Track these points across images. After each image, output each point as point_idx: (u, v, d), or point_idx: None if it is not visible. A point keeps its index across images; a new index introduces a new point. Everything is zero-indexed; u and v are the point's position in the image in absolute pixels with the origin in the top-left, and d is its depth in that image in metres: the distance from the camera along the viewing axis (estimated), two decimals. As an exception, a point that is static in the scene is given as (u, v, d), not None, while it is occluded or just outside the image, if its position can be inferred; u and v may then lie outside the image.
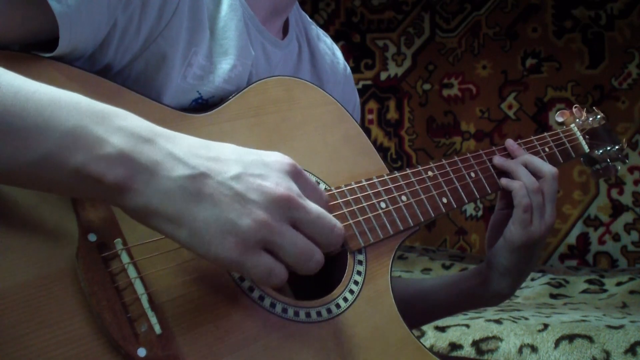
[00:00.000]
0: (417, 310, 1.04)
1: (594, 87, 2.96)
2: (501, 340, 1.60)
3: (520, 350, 1.56)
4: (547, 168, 0.96)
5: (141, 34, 0.72)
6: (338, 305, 0.74)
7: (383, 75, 3.23)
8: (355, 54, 3.24)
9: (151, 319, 0.60)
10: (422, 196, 0.87)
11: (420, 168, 0.90)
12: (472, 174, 0.95)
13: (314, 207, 0.60)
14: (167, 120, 0.71)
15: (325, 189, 0.81)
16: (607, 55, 2.97)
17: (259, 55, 0.87)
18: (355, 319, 0.75)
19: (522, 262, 0.96)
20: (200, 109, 0.78)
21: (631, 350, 1.51)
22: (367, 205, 0.81)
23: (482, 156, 0.98)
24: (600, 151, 1.14)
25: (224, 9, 0.79)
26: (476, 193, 0.94)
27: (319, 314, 0.72)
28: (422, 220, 0.86)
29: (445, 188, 0.91)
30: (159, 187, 0.56)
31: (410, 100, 3.19)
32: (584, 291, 2.31)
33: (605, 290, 2.29)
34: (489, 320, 1.69)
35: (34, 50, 0.66)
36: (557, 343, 1.56)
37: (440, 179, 0.91)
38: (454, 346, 1.62)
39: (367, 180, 0.83)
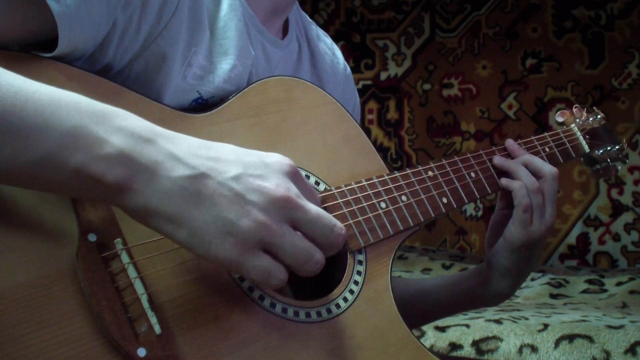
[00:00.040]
0: (417, 310, 1.04)
1: (594, 87, 2.96)
2: (501, 340, 1.60)
3: (520, 350, 1.56)
4: (547, 168, 0.96)
5: (141, 34, 0.72)
6: (338, 306, 0.74)
7: (383, 75, 3.23)
8: (355, 54, 3.24)
9: (151, 319, 0.60)
10: (422, 196, 0.87)
11: (420, 168, 0.90)
12: (472, 174, 0.95)
13: (313, 207, 0.60)
14: (167, 120, 0.71)
15: (325, 189, 0.81)
16: (607, 55, 2.97)
17: (259, 55, 0.87)
18: (355, 319, 0.75)
19: (522, 262, 0.96)
20: (200, 109, 0.78)
21: (631, 350, 1.51)
22: (367, 205, 0.81)
23: (482, 156, 0.98)
24: (601, 151, 1.14)
25: (223, 9, 0.79)
26: (476, 193, 0.94)
27: (319, 314, 0.72)
28: (422, 220, 0.86)
29: (445, 188, 0.91)
30: (159, 187, 0.56)
31: (410, 100, 3.19)
32: (584, 291, 2.31)
33: (605, 290, 2.29)
34: (489, 320, 1.69)
35: (34, 50, 0.66)
36: (557, 343, 1.56)
37: (440, 179, 0.91)
38: (454, 346, 1.62)
39: (367, 180, 0.83)
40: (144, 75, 0.74)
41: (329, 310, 0.73)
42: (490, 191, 0.96)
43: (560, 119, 1.15)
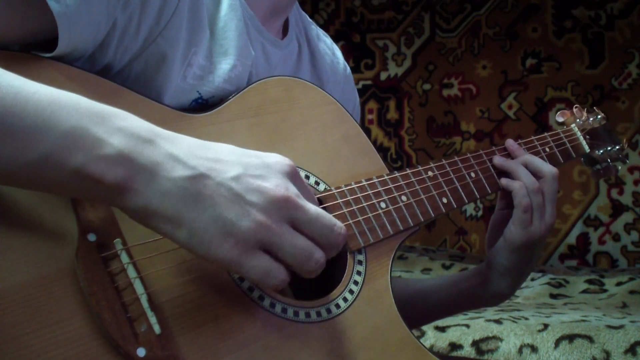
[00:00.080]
0: (417, 310, 1.04)
1: (594, 87, 2.96)
2: (501, 340, 1.60)
3: (520, 350, 1.56)
4: (547, 168, 0.96)
5: (141, 34, 0.72)
6: (338, 306, 0.74)
7: (383, 75, 3.23)
8: (355, 54, 3.24)
9: (150, 318, 0.60)
10: (422, 196, 0.87)
11: (420, 168, 0.90)
12: (472, 174, 0.95)
13: (312, 207, 0.60)
14: (167, 121, 0.71)
15: (325, 189, 0.81)
16: (607, 55, 2.97)
17: (259, 55, 0.87)
18: (355, 319, 0.75)
19: (522, 262, 0.96)
20: (200, 109, 0.78)
21: (631, 350, 1.51)
22: (367, 205, 0.81)
23: (482, 156, 0.98)
24: (601, 151, 1.14)
25: (223, 9, 0.79)
26: (476, 193, 0.94)
27: (318, 314, 0.72)
28: (422, 220, 0.86)
29: (445, 188, 0.90)
30: (158, 188, 0.56)
31: (410, 100, 3.19)
32: (584, 291, 2.31)
33: (605, 290, 2.29)
34: (489, 320, 1.69)
35: (34, 50, 0.66)
36: (557, 343, 1.56)
37: (440, 179, 0.91)
38: (454, 346, 1.62)
39: (367, 180, 0.83)
40: (144, 75, 0.74)
41: (328, 311, 0.73)
42: (490, 191, 0.96)
43: (560, 119, 1.15)
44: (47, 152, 0.54)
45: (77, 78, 0.66)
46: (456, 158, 0.95)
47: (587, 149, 1.12)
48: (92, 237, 0.60)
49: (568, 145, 1.09)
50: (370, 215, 0.80)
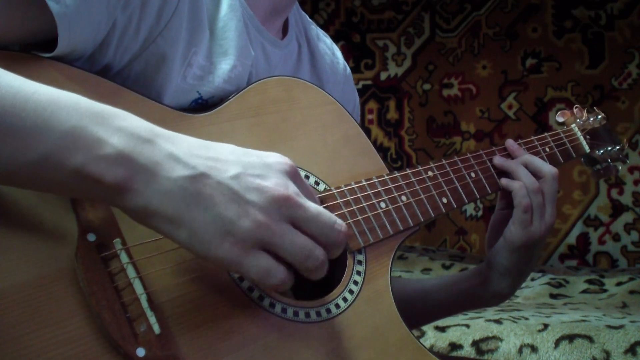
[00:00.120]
0: (417, 310, 1.04)
1: (594, 87, 2.96)
2: (501, 340, 1.60)
3: (520, 350, 1.56)
4: (547, 168, 0.96)
5: (140, 34, 0.72)
6: (337, 306, 0.74)
7: (383, 75, 3.23)
8: (355, 54, 3.24)
9: (150, 318, 0.60)
10: (422, 196, 0.87)
11: (420, 168, 0.89)
12: (472, 174, 0.95)
13: (312, 205, 0.60)
14: (167, 120, 0.71)
15: (325, 189, 0.81)
16: (607, 55, 2.97)
17: (259, 55, 0.87)
18: (354, 319, 0.75)
19: (522, 262, 0.96)
20: (200, 109, 0.78)
21: (631, 350, 1.51)
22: (366, 205, 0.81)
23: (482, 156, 0.98)
24: (601, 151, 1.14)
25: (223, 9, 0.79)
26: (476, 193, 0.94)
27: (318, 314, 0.72)
28: (422, 220, 0.86)
29: (445, 188, 0.90)
30: (158, 188, 0.56)
31: (410, 100, 3.19)
32: (584, 291, 2.31)
33: (605, 290, 2.29)
34: (489, 320, 1.69)
35: (34, 50, 0.66)
36: (557, 343, 1.56)
37: (440, 179, 0.91)
38: (454, 346, 1.62)
39: (367, 180, 0.83)
40: (144, 75, 0.74)
41: (328, 311, 0.73)
42: (490, 191, 0.96)
43: (560, 119, 1.15)
44: (47, 152, 0.54)
45: (77, 78, 0.66)
46: (456, 158, 0.95)
47: (587, 149, 1.12)
48: (91, 237, 0.60)
49: (568, 145, 1.09)
50: (370, 215, 0.80)
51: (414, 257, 2.70)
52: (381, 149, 3.18)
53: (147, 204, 0.56)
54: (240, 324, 0.66)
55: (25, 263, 0.57)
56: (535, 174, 0.95)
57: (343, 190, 0.80)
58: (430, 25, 3.18)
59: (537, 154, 1.02)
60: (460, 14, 3.15)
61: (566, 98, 2.99)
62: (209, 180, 0.57)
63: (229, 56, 0.80)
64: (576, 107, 1.16)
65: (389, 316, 0.78)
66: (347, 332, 0.73)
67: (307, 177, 0.81)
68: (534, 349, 1.56)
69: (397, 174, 0.86)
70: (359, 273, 0.78)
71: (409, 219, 0.84)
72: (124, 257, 0.61)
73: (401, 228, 0.83)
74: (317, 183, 0.81)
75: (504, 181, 0.96)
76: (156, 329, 0.60)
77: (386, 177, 0.85)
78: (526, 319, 1.73)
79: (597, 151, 1.13)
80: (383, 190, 0.84)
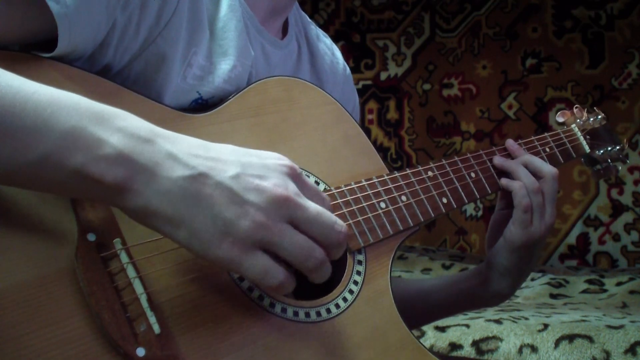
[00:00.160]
0: (417, 310, 1.04)
1: (594, 87, 2.96)
2: (501, 340, 1.60)
3: (520, 350, 1.56)
4: (547, 168, 0.96)
5: (140, 34, 0.72)
6: (337, 306, 0.74)
7: (383, 75, 3.23)
8: (355, 54, 3.24)
9: (150, 318, 0.60)
10: (422, 196, 0.87)
11: (420, 168, 0.90)
12: (472, 174, 0.95)
13: (313, 206, 0.60)
14: (167, 121, 0.71)
15: (325, 189, 0.81)
16: (607, 55, 2.97)
17: (259, 55, 0.87)
18: (354, 319, 0.75)
19: (522, 262, 0.96)
20: (200, 109, 0.78)
21: (631, 350, 1.51)
22: (366, 205, 0.81)
23: (482, 156, 0.98)
24: (601, 151, 1.14)
25: (223, 9, 0.79)
26: (476, 193, 0.94)
27: (318, 314, 0.72)
28: (422, 220, 0.86)
29: (445, 188, 0.90)
30: (158, 188, 0.56)
31: (410, 100, 3.19)
32: (584, 291, 2.31)
33: (605, 290, 2.29)
34: (489, 320, 1.69)
35: (34, 50, 0.66)
36: (557, 343, 1.56)
37: (440, 179, 0.91)
38: (454, 346, 1.62)
39: (366, 180, 0.83)
40: (144, 75, 0.74)
41: (328, 310, 0.73)
42: (490, 191, 0.96)
43: (560, 119, 1.15)
44: (47, 152, 0.54)
45: (77, 78, 0.66)
46: (456, 158, 0.95)
47: (587, 149, 1.12)
48: (91, 237, 0.60)
49: (568, 145, 1.09)
50: (370, 215, 0.80)
51: (414, 257, 2.70)
52: (381, 149, 3.18)
53: (147, 204, 0.56)
54: (240, 324, 0.66)
55: (25, 263, 0.57)
56: (535, 174, 0.95)
57: (343, 190, 0.80)
58: (430, 25, 3.18)
59: (537, 154, 1.02)
60: (460, 14, 3.15)
61: (566, 98, 2.99)
62: (209, 181, 0.57)
63: (229, 56, 0.80)
64: (576, 107, 1.16)
65: (389, 316, 0.78)
66: (347, 332, 0.73)
67: (307, 177, 0.80)
68: (534, 349, 1.56)
69: (397, 174, 0.86)
70: (359, 273, 0.78)
71: (409, 219, 0.84)
72: (124, 257, 0.61)
73: (401, 228, 0.83)
74: (317, 183, 0.81)
75: (504, 181, 0.96)
76: (156, 328, 0.60)
77: (386, 177, 0.85)
78: (526, 319, 1.73)
79: (597, 151, 1.13)
80: (383, 190, 0.84)
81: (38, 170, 0.54)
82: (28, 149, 0.53)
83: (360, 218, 0.79)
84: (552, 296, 2.25)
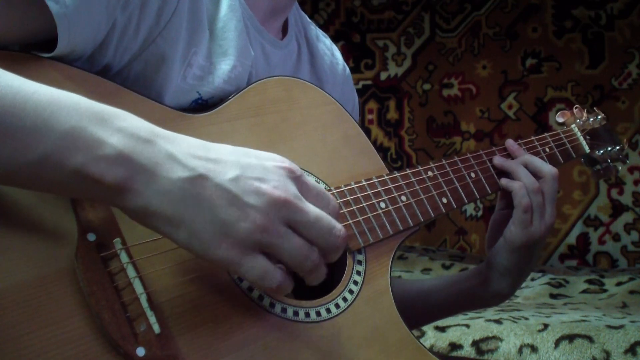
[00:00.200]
0: (417, 310, 1.04)
1: (594, 87, 2.96)
2: (501, 340, 1.60)
3: (520, 350, 1.56)
4: (547, 168, 0.96)
5: (140, 34, 0.72)
6: (337, 306, 0.74)
7: (383, 75, 3.23)
8: (355, 54, 3.24)
9: (150, 318, 0.60)
10: (422, 196, 0.87)
11: (420, 168, 0.90)
12: (472, 174, 0.95)
13: (312, 209, 0.60)
14: (167, 121, 0.71)
15: (325, 189, 0.81)
16: (607, 55, 2.97)
17: (258, 55, 0.87)
18: (354, 319, 0.75)
19: (522, 262, 0.96)
20: (200, 109, 0.78)
21: (631, 350, 1.51)
22: (366, 205, 0.81)
23: (482, 156, 0.98)
24: (601, 151, 1.14)
25: (223, 9, 0.79)
26: (476, 193, 0.94)
27: (318, 314, 0.72)
28: (422, 220, 0.86)
29: (445, 188, 0.90)
30: (158, 188, 0.56)
31: (410, 100, 3.19)
32: (584, 291, 2.31)
33: (605, 290, 2.29)
34: (489, 320, 1.69)
35: (34, 50, 0.66)
36: (557, 343, 1.56)
37: (440, 179, 0.91)
38: (454, 346, 1.62)
39: (366, 180, 0.83)
40: (144, 75, 0.74)
41: (328, 310, 0.73)
42: (490, 191, 0.96)
43: (560, 120, 1.15)
44: (47, 152, 0.54)
45: (77, 78, 0.66)
46: (456, 158, 0.95)
47: (587, 149, 1.12)
48: (91, 237, 0.60)
49: (568, 145, 1.09)
50: (370, 215, 0.80)
51: (414, 257, 2.70)
52: (381, 149, 3.18)
53: (146, 204, 0.56)
54: (240, 324, 0.66)
55: (25, 263, 0.57)
56: (535, 174, 0.95)
57: (343, 190, 0.80)
58: (430, 25, 3.18)
59: (537, 154, 1.02)
60: (460, 14, 3.15)
61: (566, 98, 2.99)
62: (208, 183, 0.57)
63: (229, 56, 0.80)
64: (576, 108, 1.16)
65: (389, 316, 0.78)
66: (347, 332, 0.73)
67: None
68: (534, 349, 1.56)
69: (397, 174, 0.86)
70: (358, 273, 0.78)
71: (409, 219, 0.84)
72: (123, 257, 0.61)
73: (401, 228, 0.83)
74: (317, 183, 0.81)
75: (503, 181, 0.96)
76: (156, 328, 0.60)
77: (386, 177, 0.85)
78: (526, 319, 1.73)
79: (597, 151, 1.13)
80: (383, 190, 0.84)
81: (38, 170, 0.54)
82: (28, 149, 0.53)
83: (360, 218, 0.79)
84: (552, 296, 2.25)
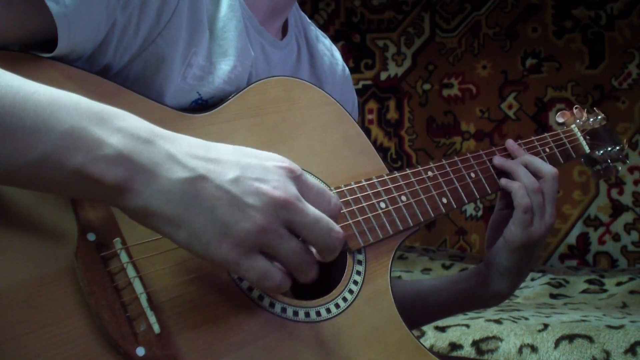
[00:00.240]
0: (417, 310, 1.04)
1: (594, 87, 2.96)
2: (501, 340, 1.60)
3: (520, 350, 1.56)
4: (547, 168, 0.96)
5: (140, 34, 0.72)
6: (337, 305, 0.74)
7: (383, 75, 3.23)
8: (355, 54, 3.24)
9: (150, 318, 0.60)
10: (422, 196, 0.87)
11: (420, 168, 0.90)
12: (472, 174, 0.95)
13: (312, 210, 0.60)
14: (167, 120, 0.71)
15: (325, 188, 0.81)
16: (607, 55, 2.97)
17: (258, 55, 0.87)
18: (354, 319, 0.75)
19: (522, 262, 0.96)
20: (200, 109, 0.78)
21: (631, 350, 1.52)
22: (366, 205, 0.81)
23: (482, 156, 0.98)
24: (601, 152, 1.14)
25: (223, 10, 0.79)
26: (476, 193, 0.94)
27: (318, 313, 0.72)
28: (422, 220, 0.86)
29: (445, 188, 0.91)
30: (158, 188, 0.56)
31: (410, 100, 3.19)
32: (584, 291, 2.31)
33: (605, 290, 2.29)
34: (489, 320, 1.69)
35: (34, 50, 0.66)
36: (557, 343, 1.56)
37: (440, 179, 0.91)
38: (454, 346, 1.62)
39: (366, 180, 0.83)
40: (144, 75, 0.74)
41: (328, 310, 0.73)
42: (490, 191, 0.96)
43: (560, 120, 1.15)
44: (47, 152, 0.54)
45: (77, 78, 0.66)
46: (456, 158, 0.95)
47: (587, 149, 1.12)
48: (91, 237, 0.60)
49: (568, 145, 1.09)
50: (369, 215, 0.80)
51: (414, 257, 2.70)
52: (381, 149, 3.18)
53: (146, 204, 0.56)
54: (240, 324, 0.66)
55: (24, 262, 0.57)
56: (535, 174, 0.95)
57: (343, 191, 0.80)
58: (430, 25, 3.18)
59: (537, 154, 1.02)
60: (460, 14, 3.15)
61: (566, 98, 2.99)
62: (208, 184, 0.57)
63: (229, 56, 0.80)
64: (576, 108, 1.16)
65: (389, 316, 0.78)
66: (347, 332, 0.73)
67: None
68: (534, 349, 1.56)
69: (396, 174, 0.86)
70: (358, 273, 0.78)
71: (409, 219, 0.84)
72: (123, 257, 0.62)
73: (401, 228, 0.83)
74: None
75: (503, 181, 0.96)
76: (156, 328, 0.60)
77: (386, 177, 0.85)
78: (526, 319, 1.73)
79: (597, 151, 1.13)
80: (383, 190, 0.84)
81: (38, 170, 0.54)
82: (28, 149, 0.53)
83: (360, 218, 0.79)
84: (552, 296, 2.25)
